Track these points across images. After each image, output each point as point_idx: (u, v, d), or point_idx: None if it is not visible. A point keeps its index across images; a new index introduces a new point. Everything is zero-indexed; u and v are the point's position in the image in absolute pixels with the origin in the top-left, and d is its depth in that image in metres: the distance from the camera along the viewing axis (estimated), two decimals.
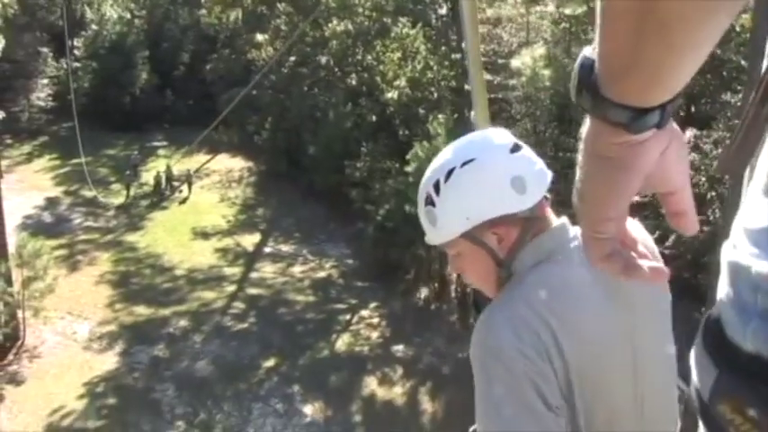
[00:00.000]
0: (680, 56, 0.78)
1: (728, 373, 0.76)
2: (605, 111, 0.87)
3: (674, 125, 0.95)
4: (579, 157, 0.98)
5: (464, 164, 2.04)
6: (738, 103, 22.87)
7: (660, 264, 1.12)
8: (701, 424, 0.85)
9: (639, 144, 0.90)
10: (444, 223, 2.11)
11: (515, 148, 2.05)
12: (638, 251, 1.09)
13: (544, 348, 1.82)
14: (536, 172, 2.05)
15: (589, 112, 0.92)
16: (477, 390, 1.85)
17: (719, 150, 24.92)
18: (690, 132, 26.09)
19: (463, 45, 2.53)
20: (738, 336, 0.76)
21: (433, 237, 2.19)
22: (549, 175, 2.08)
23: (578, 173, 0.99)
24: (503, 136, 2.10)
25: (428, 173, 2.14)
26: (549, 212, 2.09)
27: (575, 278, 1.96)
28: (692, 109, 31.96)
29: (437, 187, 2.08)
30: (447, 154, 2.12)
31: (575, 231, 2.05)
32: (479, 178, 2.02)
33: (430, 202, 2.11)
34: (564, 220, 2.09)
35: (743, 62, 27.15)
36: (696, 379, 0.83)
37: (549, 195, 2.08)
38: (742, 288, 0.76)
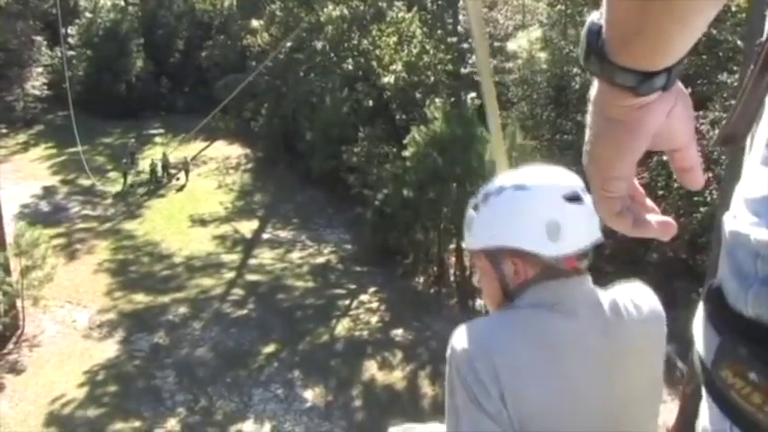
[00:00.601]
0: (683, 22, 0.80)
1: (730, 339, 0.78)
2: (612, 75, 0.90)
3: (680, 85, 0.98)
4: (588, 119, 1.01)
5: (517, 188, 2.06)
6: (735, 84, 22.84)
7: (668, 218, 1.14)
8: (704, 393, 0.87)
9: (646, 106, 0.93)
10: (476, 233, 2.14)
11: (574, 198, 2.02)
12: (647, 206, 1.13)
13: (496, 387, 1.87)
14: (579, 228, 2.02)
15: (597, 75, 0.94)
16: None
17: (716, 130, 24.94)
18: None
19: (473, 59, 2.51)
20: (740, 302, 0.78)
21: (466, 240, 2.23)
22: (594, 241, 2.06)
23: (587, 134, 1.02)
24: (569, 181, 2.07)
25: (493, 182, 2.16)
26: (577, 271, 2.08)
27: (567, 336, 1.99)
28: (689, 90, 31.89)
29: (486, 198, 2.12)
30: (517, 172, 2.14)
31: (591, 288, 2.09)
32: (519, 207, 2.03)
33: (475, 207, 2.16)
34: (587, 276, 2.10)
35: (739, 42, 27.09)
36: (700, 348, 0.85)
37: (585, 261, 2.09)
38: (742, 256, 0.78)
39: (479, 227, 2.13)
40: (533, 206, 2.02)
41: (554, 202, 2.01)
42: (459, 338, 1.95)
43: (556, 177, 2.08)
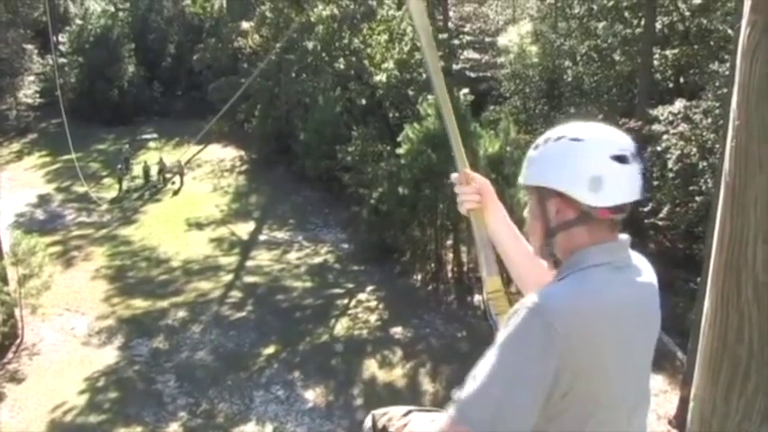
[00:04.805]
0: None
1: None
2: None
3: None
4: None
5: (573, 139, 2.28)
6: (726, 73, 22.85)
7: None
8: None
9: None
10: (531, 170, 2.35)
11: (621, 159, 2.22)
12: None
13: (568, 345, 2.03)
14: (619, 186, 2.22)
15: None
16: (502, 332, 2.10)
17: (709, 120, 24.95)
18: (679, 103, 26.14)
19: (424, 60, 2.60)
20: None
21: (522, 175, 2.41)
22: (631, 199, 2.26)
23: None
24: (621, 143, 2.27)
25: (557, 128, 2.39)
26: (612, 226, 2.30)
27: (628, 295, 2.22)
28: (681, 80, 31.99)
29: (546, 141, 2.35)
30: (579, 125, 2.35)
31: (629, 254, 2.33)
32: (571, 157, 2.25)
33: (535, 147, 2.38)
34: (626, 237, 2.33)
35: (729, 31, 27.13)
36: None
37: (621, 215, 2.28)
38: None
39: (535, 166, 2.34)
40: (582, 158, 2.24)
41: (602, 159, 2.22)
42: (550, 297, 2.10)
43: (610, 136, 2.29)
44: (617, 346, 2.13)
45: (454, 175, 2.85)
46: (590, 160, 2.22)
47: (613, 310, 2.14)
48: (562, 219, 2.29)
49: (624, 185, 2.23)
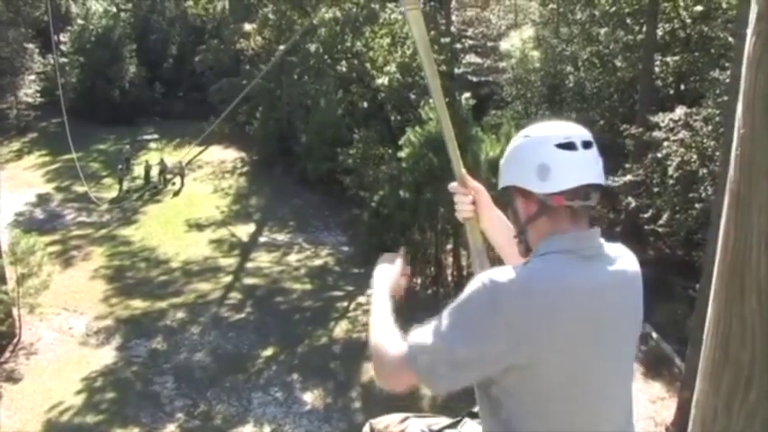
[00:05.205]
0: None
1: None
2: None
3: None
4: None
5: (524, 137, 2.50)
6: (727, 80, 22.84)
7: None
8: None
9: None
10: (499, 175, 2.56)
11: (567, 146, 2.37)
12: None
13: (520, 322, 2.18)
14: (567, 171, 2.35)
15: None
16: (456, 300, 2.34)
17: (710, 127, 24.95)
18: (680, 110, 26.13)
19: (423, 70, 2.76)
20: None
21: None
22: (584, 183, 2.36)
23: None
24: (568, 132, 2.42)
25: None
26: (574, 215, 2.40)
27: (588, 280, 2.29)
28: (682, 87, 32.01)
29: (508, 146, 2.56)
30: (534, 125, 2.53)
31: (601, 240, 2.42)
32: (521, 151, 2.47)
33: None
34: (596, 229, 2.42)
35: (730, 39, 27.15)
36: None
37: (578, 201, 2.38)
38: None
39: (500, 170, 2.55)
40: (530, 151, 2.42)
41: (547, 148, 2.38)
42: (503, 274, 2.25)
43: (556, 128, 2.44)
44: (579, 330, 2.21)
45: (453, 185, 2.97)
46: (536, 151, 2.40)
47: (574, 294, 2.23)
48: (527, 214, 2.45)
49: (572, 170, 2.35)
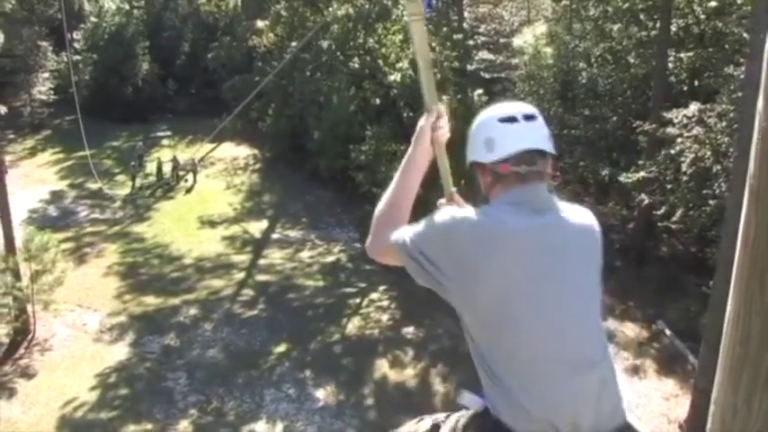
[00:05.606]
0: None
1: None
2: None
3: None
4: None
5: (477, 118, 2.88)
6: (741, 76, 22.70)
7: None
8: None
9: None
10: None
11: (508, 120, 2.74)
12: None
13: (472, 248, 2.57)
14: (509, 141, 2.71)
15: None
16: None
17: (724, 123, 24.82)
18: (694, 106, 26.00)
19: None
20: None
21: None
22: (523, 146, 2.71)
23: None
24: (511, 109, 2.79)
25: None
26: (523, 179, 2.71)
27: (525, 227, 2.60)
28: (695, 83, 31.85)
29: None
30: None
31: (548, 194, 2.74)
32: (474, 131, 2.87)
33: None
34: (543, 184, 2.74)
35: (745, 35, 27.00)
36: None
37: (524, 167, 2.71)
38: None
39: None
40: (479, 128, 2.83)
41: (491, 123, 2.77)
42: (462, 211, 2.69)
43: (501, 107, 2.82)
44: (518, 263, 2.54)
45: (441, 201, 3.21)
46: (483, 128, 2.80)
47: (517, 233, 2.57)
48: (485, 184, 2.83)
49: (513, 140, 2.70)
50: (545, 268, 2.56)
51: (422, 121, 3.12)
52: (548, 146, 2.74)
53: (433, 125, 3.09)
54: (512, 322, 2.54)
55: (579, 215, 2.75)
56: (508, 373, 2.55)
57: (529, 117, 2.73)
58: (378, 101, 37.13)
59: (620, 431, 2.59)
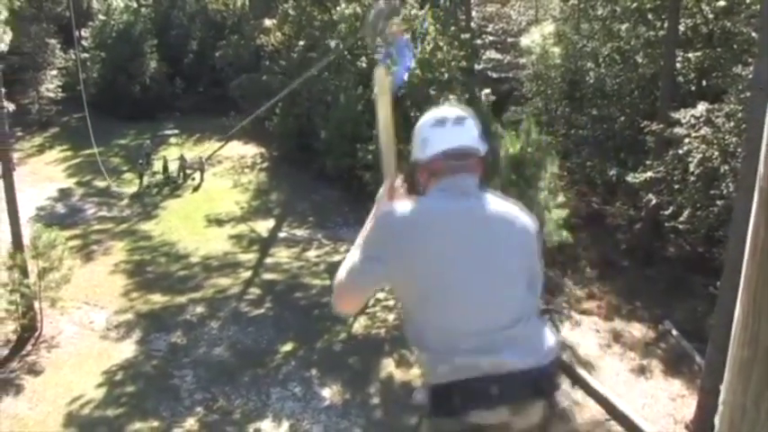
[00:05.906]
0: None
1: None
2: None
3: None
4: None
5: (418, 122, 3.24)
6: (750, 76, 22.65)
7: None
8: None
9: None
10: None
11: (439, 123, 3.14)
12: None
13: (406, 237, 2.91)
14: (439, 140, 3.10)
15: None
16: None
17: (732, 124, 24.77)
18: (702, 106, 25.96)
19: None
20: None
21: None
22: (451, 145, 3.08)
23: None
24: (444, 113, 3.19)
25: None
26: (453, 172, 3.06)
27: (458, 211, 2.97)
28: (703, 83, 31.80)
29: None
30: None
31: (475, 184, 3.09)
32: (414, 134, 3.23)
33: None
34: (473, 175, 3.10)
35: (753, 34, 26.94)
36: None
37: (452, 162, 3.07)
38: None
39: None
40: (417, 133, 3.21)
41: (426, 127, 3.17)
42: (399, 207, 3.04)
43: (436, 112, 3.21)
44: (445, 243, 2.87)
45: (380, 194, 3.47)
46: (420, 131, 3.19)
47: (441, 215, 2.95)
48: (422, 180, 3.18)
49: (443, 140, 3.09)
50: (468, 241, 2.89)
51: (381, 191, 3.44)
52: (474, 145, 3.13)
53: (390, 190, 3.38)
54: (442, 292, 2.84)
55: (506, 204, 3.09)
56: (435, 341, 2.90)
57: (458, 120, 3.14)
58: None
59: (541, 370, 2.80)
